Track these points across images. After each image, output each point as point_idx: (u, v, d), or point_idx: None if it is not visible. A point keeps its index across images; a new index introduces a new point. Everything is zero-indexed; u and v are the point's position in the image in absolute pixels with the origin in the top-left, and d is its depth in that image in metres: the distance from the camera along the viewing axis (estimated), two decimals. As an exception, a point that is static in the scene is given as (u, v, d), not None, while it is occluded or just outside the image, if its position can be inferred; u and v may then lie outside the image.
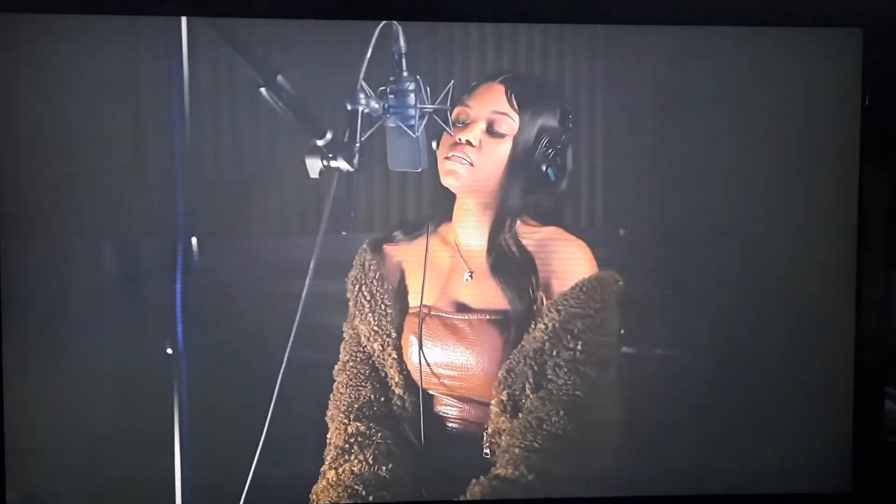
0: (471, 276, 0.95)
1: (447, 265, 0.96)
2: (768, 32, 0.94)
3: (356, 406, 0.95)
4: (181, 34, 0.89)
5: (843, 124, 0.95)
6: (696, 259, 0.96)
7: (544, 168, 0.92)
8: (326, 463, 0.95)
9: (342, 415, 0.95)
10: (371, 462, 0.94)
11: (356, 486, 0.93)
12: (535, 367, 0.92)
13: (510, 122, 0.92)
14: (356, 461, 0.94)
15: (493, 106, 0.92)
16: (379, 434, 0.94)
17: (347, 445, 0.94)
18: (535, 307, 0.93)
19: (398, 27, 0.90)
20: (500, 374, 0.92)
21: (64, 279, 0.91)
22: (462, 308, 0.95)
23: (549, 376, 0.92)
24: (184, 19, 0.89)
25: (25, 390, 0.91)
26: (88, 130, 0.90)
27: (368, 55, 0.89)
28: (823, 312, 0.97)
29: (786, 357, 0.97)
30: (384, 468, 0.94)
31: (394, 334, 0.95)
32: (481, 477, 0.93)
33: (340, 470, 0.94)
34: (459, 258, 0.95)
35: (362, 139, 0.91)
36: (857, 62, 0.94)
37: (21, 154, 0.89)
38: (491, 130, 0.92)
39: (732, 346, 0.97)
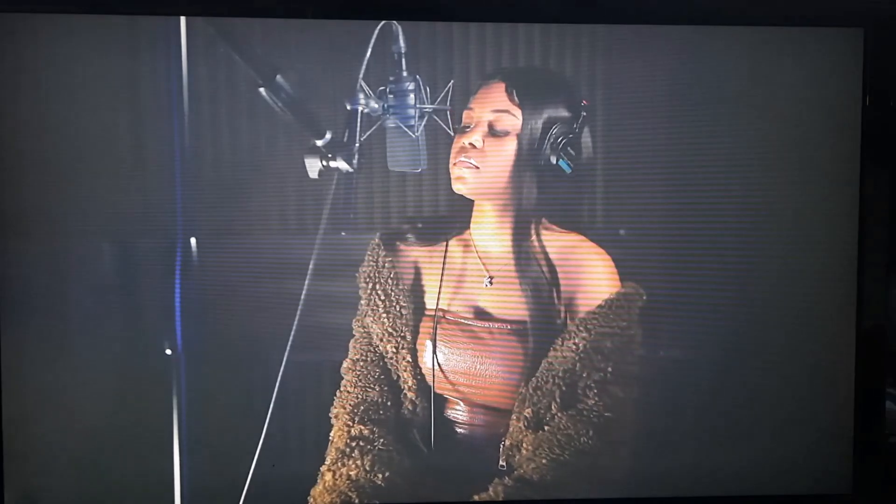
0: (490, 281, 0.93)
1: (466, 268, 0.94)
2: (769, 32, 0.93)
3: (362, 408, 0.94)
4: (180, 34, 0.89)
5: (843, 124, 0.94)
6: (696, 259, 0.95)
7: (555, 161, 0.90)
8: (326, 464, 0.94)
9: (347, 415, 0.93)
10: (368, 468, 0.93)
11: (350, 493, 0.93)
12: (564, 387, 0.90)
13: (512, 119, 0.90)
14: (354, 466, 0.93)
15: (493, 105, 0.90)
16: (382, 440, 0.93)
17: (348, 449, 0.93)
18: (557, 320, 0.91)
19: (398, 27, 0.90)
20: (524, 391, 0.91)
21: (63, 279, 0.91)
22: (482, 315, 0.93)
23: (580, 396, 0.91)
24: (183, 19, 0.89)
25: (24, 391, 0.92)
26: (87, 130, 0.90)
27: (368, 55, 0.89)
28: (824, 312, 0.96)
29: (786, 357, 0.96)
30: (380, 476, 0.93)
31: (408, 337, 0.94)
32: (505, 477, 0.92)
33: (338, 473, 0.93)
34: (479, 262, 0.93)
35: (362, 139, 0.91)
36: (858, 62, 0.94)
37: (19, 154, 0.90)
38: (493, 130, 0.90)
39: (732, 346, 0.95)
